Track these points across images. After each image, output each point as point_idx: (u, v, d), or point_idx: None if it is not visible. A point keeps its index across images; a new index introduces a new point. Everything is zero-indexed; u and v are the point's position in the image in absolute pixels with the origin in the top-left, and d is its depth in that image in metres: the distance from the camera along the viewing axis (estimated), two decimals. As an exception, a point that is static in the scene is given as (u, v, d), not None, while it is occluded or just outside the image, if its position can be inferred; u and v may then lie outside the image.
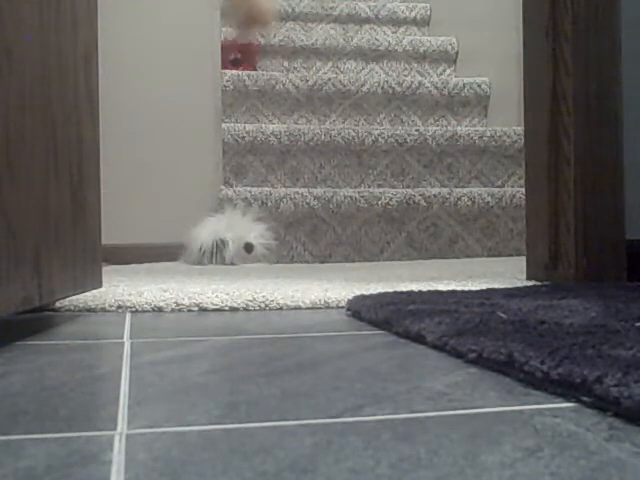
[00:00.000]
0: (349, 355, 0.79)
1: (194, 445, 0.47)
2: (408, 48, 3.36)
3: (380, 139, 2.64)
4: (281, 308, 1.20)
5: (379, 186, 2.65)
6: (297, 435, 0.48)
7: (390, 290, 1.24)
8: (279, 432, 0.49)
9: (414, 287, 1.29)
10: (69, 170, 1.02)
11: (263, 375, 0.69)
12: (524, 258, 1.58)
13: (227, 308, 1.19)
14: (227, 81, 2.82)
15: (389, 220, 2.43)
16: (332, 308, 1.20)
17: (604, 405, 0.53)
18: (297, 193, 2.39)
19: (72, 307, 1.18)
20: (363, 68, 3.33)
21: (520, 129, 2.60)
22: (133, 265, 2.14)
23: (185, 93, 2.43)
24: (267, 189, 2.41)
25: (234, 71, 2.90)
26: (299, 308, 1.20)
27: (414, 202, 2.43)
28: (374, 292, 1.21)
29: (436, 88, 3.04)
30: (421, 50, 3.37)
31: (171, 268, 2.05)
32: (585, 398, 0.55)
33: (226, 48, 2.94)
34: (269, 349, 0.85)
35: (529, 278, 1.55)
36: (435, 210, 2.45)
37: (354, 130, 2.64)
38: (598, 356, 0.63)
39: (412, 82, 3.02)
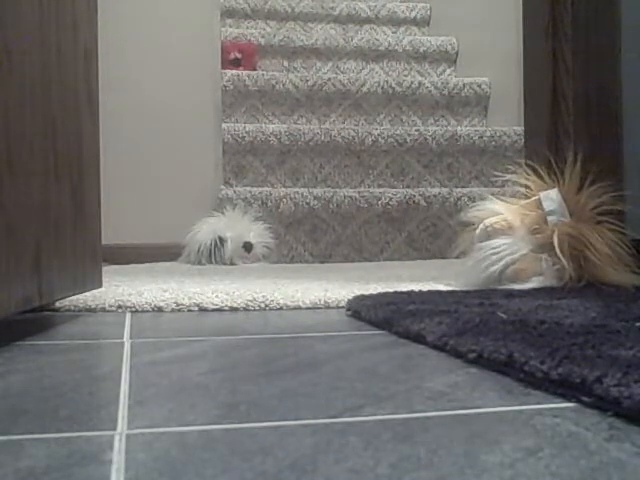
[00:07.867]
0: (349, 355, 0.79)
1: (194, 445, 0.47)
2: (408, 48, 3.36)
3: (380, 139, 2.64)
4: (281, 308, 1.20)
5: (379, 186, 2.65)
6: (297, 435, 0.48)
7: (390, 290, 1.24)
8: (279, 432, 0.49)
9: (414, 287, 1.29)
10: (69, 170, 1.02)
11: (263, 375, 0.69)
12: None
13: (227, 308, 1.19)
14: (227, 81, 2.82)
15: (389, 220, 2.43)
16: (332, 308, 1.20)
17: (604, 405, 0.53)
18: (297, 193, 2.39)
19: (72, 307, 1.18)
20: (363, 68, 3.33)
21: (520, 129, 2.59)
22: (133, 265, 2.14)
23: (185, 93, 2.42)
24: (267, 189, 2.41)
25: (234, 71, 2.89)
26: (299, 308, 1.20)
27: (414, 202, 2.43)
28: (374, 292, 1.21)
29: (436, 88, 3.04)
30: (421, 50, 3.37)
31: (171, 268, 2.05)
32: (585, 398, 0.55)
33: (226, 48, 2.94)
34: (269, 349, 0.85)
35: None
36: (435, 210, 2.45)
37: (354, 130, 2.63)
38: (598, 356, 0.63)
39: (412, 82, 3.02)
